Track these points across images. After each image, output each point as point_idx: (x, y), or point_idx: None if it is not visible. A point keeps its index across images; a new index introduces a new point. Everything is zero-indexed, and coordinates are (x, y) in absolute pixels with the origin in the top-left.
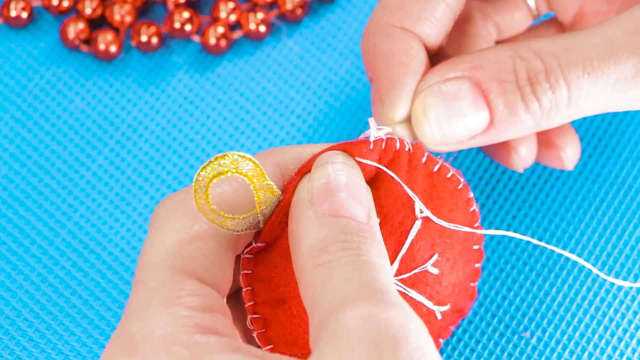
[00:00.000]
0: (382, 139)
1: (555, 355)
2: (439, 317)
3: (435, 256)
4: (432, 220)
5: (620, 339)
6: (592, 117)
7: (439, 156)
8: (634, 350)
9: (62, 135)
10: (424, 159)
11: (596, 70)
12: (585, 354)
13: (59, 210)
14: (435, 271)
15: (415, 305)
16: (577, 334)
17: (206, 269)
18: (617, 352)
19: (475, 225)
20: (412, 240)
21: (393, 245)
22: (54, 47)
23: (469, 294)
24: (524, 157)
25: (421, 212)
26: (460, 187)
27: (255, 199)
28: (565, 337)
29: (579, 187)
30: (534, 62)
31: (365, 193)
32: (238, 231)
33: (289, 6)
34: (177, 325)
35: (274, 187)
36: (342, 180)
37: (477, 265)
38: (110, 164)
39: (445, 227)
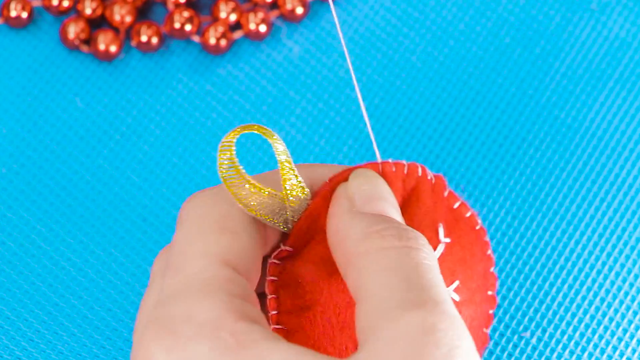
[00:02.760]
0: (404, 164)
1: (555, 355)
2: None
3: (457, 282)
4: (454, 247)
5: (620, 339)
6: (592, 116)
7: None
8: (634, 350)
9: (61, 135)
10: (446, 193)
11: None
12: (585, 354)
13: (59, 210)
14: (456, 297)
15: None
16: (577, 334)
17: (240, 260)
18: (617, 352)
19: (491, 270)
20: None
21: None
22: (54, 47)
23: (481, 339)
24: None
25: (445, 236)
26: (478, 228)
27: (282, 179)
28: (565, 337)
29: (579, 187)
30: None
31: (398, 207)
32: (262, 216)
33: (289, 6)
34: (221, 311)
35: (303, 184)
36: (380, 191)
37: (490, 311)
38: (110, 164)
39: (466, 258)
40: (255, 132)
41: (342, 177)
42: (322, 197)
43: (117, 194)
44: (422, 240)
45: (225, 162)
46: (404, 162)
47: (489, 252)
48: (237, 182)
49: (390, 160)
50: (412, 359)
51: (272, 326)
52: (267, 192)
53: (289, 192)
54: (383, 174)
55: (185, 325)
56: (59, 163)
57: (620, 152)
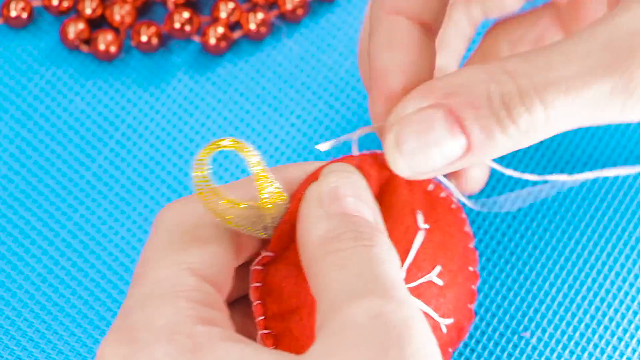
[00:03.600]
0: (377, 154)
1: (555, 355)
2: (444, 330)
3: (439, 267)
4: (433, 233)
5: (620, 339)
6: None
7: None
8: (634, 350)
9: (62, 135)
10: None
11: (572, 90)
12: (585, 354)
13: (59, 210)
14: (439, 282)
15: None
16: (577, 334)
17: (207, 269)
18: (617, 352)
19: (470, 245)
20: (417, 250)
21: (399, 254)
22: (54, 47)
23: (466, 316)
24: (477, 179)
25: (424, 223)
26: (453, 206)
27: (258, 190)
28: (565, 337)
29: (579, 187)
30: (507, 85)
31: (372, 200)
32: (241, 227)
33: (289, 6)
34: (179, 316)
35: (280, 189)
36: (349, 186)
37: (473, 286)
38: (110, 164)
39: (446, 240)
40: (228, 148)
41: (315, 177)
42: (299, 200)
43: (117, 193)
44: (379, 238)
45: (200, 179)
46: (378, 152)
47: (466, 228)
48: (212, 198)
49: (365, 152)
50: (362, 345)
51: (261, 332)
52: (242, 206)
53: (266, 200)
54: (358, 166)
55: (144, 332)
56: (59, 163)
57: (621, 152)
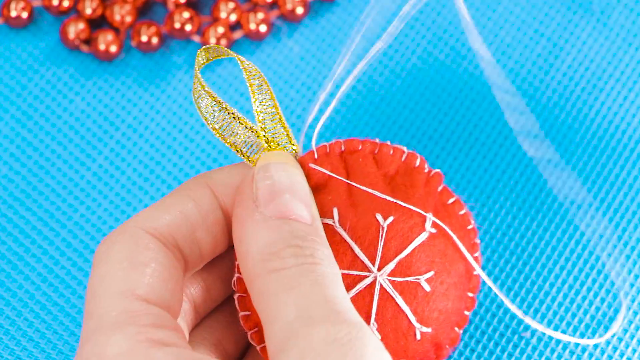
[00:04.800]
0: (341, 142)
1: (555, 355)
2: (418, 337)
3: (431, 273)
4: (437, 239)
5: (620, 339)
6: (593, 116)
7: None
8: (634, 350)
9: (62, 135)
10: (440, 188)
11: None
12: (586, 354)
13: (59, 210)
14: (427, 287)
15: (397, 314)
16: (577, 334)
17: (152, 291)
18: (617, 352)
19: (475, 272)
20: (414, 248)
21: (395, 246)
22: (54, 47)
23: (450, 336)
24: None
25: (432, 227)
26: (469, 227)
27: (254, 108)
28: (565, 337)
29: (579, 187)
30: None
31: (308, 193)
32: (232, 146)
33: (289, 6)
34: (131, 342)
35: (290, 132)
36: (285, 181)
37: (466, 312)
38: (110, 164)
39: (448, 252)
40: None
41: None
42: None
43: (117, 193)
44: (319, 251)
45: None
46: (341, 140)
47: (477, 254)
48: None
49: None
50: None
51: (259, 346)
52: (247, 126)
53: (273, 133)
54: (306, 156)
55: None
56: (59, 163)
57: (621, 152)
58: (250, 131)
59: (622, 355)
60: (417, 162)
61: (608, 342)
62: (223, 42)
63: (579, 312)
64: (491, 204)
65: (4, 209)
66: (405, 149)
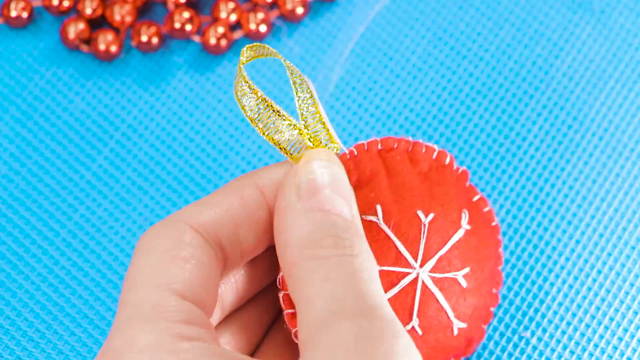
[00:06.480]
0: (378, 140)
1: (555, 355)
2: (455, 332)
3: (467, 269)
4: (472, 236)
5: (620, 339)
6: (593, 116)
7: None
8: (634, 350)
9: (62, 135)
10: (467, 184)
11: None
12: (586, 354)
13: (59, 210)
14: (464, 283)
15: (438, 311)
16: (577, 333)
17: (188, 287)
18: (617, 352)
19: (499, 268)
20: (453, 245)
21: (436, 242)
22: (54, 47)
23: (478, 330)
24: None
25: (468, 223)
26: (494, 224)
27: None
28: (565, 337)
29: (580, 187)
30: None
31: (349, 190)
32: (276, 143)
33: (289, 6)
34: (160, 335)
35: (335, 137)
36: (327, 177)
37: (492, 308)
38: (110, 164)
39: (480, 249)
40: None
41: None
42: None
43: (117, 193)
44: (359, 244)
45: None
46: (378, 138)
47: (500, 250)
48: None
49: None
50: None
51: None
52: (291, 125)
53: (317, 134)
54: (347, 155)
55: (127, 354)
56: (59, 163)
57: (621, 152)
58: (294, 129)
59: (622, 355)
60: (447, 160)
61: (608, 342)
62: (223, 42)
63: (579, 312)
64: (492, 204)
65: (4, 209)
66: (436, 146)
